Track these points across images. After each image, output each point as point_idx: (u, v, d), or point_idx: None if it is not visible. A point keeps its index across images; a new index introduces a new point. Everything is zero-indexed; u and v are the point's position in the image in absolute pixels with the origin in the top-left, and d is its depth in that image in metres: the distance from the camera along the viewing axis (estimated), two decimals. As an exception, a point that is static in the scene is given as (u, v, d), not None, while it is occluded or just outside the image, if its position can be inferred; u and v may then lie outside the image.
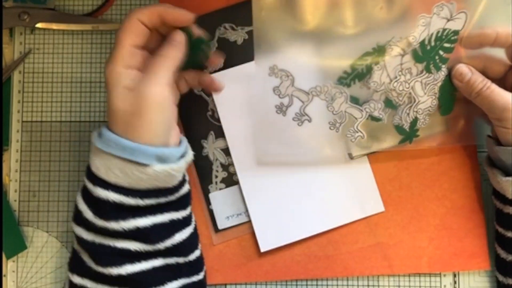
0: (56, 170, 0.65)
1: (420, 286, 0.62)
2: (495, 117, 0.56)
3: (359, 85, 0.58)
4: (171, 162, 0.51)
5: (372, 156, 0.62)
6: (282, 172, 0.62)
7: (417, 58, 0.57)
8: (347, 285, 0.63)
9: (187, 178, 0.56)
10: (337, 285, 0.63)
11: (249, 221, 0.62)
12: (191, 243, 0.56)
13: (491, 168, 0.58)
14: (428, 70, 0.58)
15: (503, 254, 0.59)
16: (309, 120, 0.60)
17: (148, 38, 0.53)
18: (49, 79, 0.65)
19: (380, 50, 0.58)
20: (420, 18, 0.57)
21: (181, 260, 0.55)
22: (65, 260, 0.64)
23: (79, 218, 0.52)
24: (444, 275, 0.63)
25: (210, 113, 0.63)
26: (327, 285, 0.63)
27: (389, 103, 0.59)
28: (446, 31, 0.57)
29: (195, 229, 0.58)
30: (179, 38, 0.53)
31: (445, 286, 0.63)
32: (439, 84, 0.58)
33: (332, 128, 0.60)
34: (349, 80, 0.59)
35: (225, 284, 0.63)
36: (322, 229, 0.62)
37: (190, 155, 0.54)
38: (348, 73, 0.58)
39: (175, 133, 0.54)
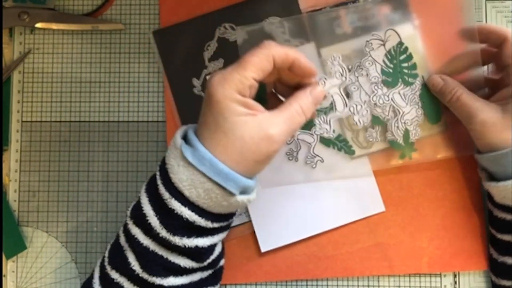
0: (56, 170, 0.66)
1: (420, 286, 0.64)
2: (467, 126, 0.57)
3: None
4: (249, 194, 0.52)
5: (373, 156, 0.63)
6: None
7: (386, 74, 0.61)
8: (347, 285, 0.64)
9: None
10: (337, 285, 0.64)
11: (249, 221, 0.64)
12: (221, 254, 0.57)
13: (480, 172, 0.60)
14: (402, 81, 0.61)
15: (495, 254, 0.61)
16: (322, 161, 0.63)
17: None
18: (49, 79, 0.67)
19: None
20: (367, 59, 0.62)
21: (212, 271, 0.56)
22: (65, 260, 0.65)
23: (140, 220, 0.51)
24: (444, 275, 0.64)
25: (210, 113, 0.65)
26: (327, 285, 0.64)
27: (376, 120, 0.62)
28: (393, 48, 0.62)
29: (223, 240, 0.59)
30: (322, 95, 0.55)
31: (445, 286, 0.64)
32: (418, 93, 0.61)
33: (290, 158, 0.63)
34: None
35: (225, 285, 0.64)
36: (322, 229, 0.63)
37: (256, 185, 0.54)
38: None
39: None
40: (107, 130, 0.66)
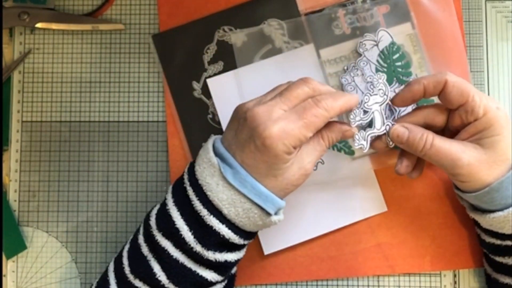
0: (56, 170, 0.67)
1: (420, 286, 0.65)
2: (448, 172, 0.56)
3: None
4: (279, 214, 0.55)
5: (374, 156, 0.64)
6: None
7: (381, 73, 0.62)
8: (347, 285, 0.65)
9: None
10: (337, 285, 0.65)
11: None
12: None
13: (461, 201, 0.60)
14: (397, 80, 0.63)
15: (488, 270, 0.62)
16: (322, 162, 0.64)
17: None
18: (49, 79, 0.68)
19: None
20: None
21: (226, 281, 0.58)
22: (65, 260, 0.66)
23: (171, 233, 0.53)
24: (444, 275, 0.65)
25: (210, 116, 0.66)
26: (327, 285, 0.65)
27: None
28: (385, 49, 0.63)
29: None
30: (351, 135, 0.57)
31: (445, 286, 0.65)
32: None
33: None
34: None
35: (227, 286, 0.65)
36: (325, 230, 0.64)
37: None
38: None
39: None
40: (107, 130, 0.67)
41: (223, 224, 0.51)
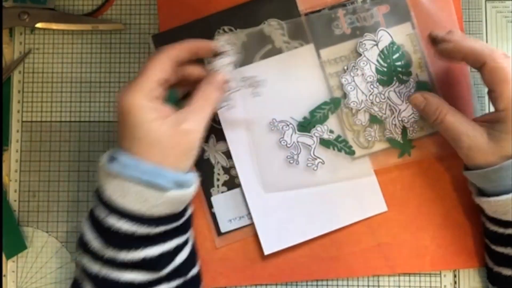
0: (56, 170, 0.67)
1: (420, 286, 0.65)
2: (454, 147, 0.57)
3: (341, 109, 0.64)
4: (187, 187, 0.53)
5: (374, 156, 0.65)
6: (284, 174, 0.65)
7: (381, 72, 0.63)
8: (347, 285, 0.65)
9: (190, 201, 0.57)
10: (337, 285, 0.65)
11: (252, 224, 0.64)
12: (190, 261, 0.58)
13: (470, 186, 0.61)
14: (397, 80, 0.63)
15: (490, 263, 0.62)
16: (323, 162, 0.64)
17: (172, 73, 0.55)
18: (49, 79, 0.68)
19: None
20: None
21: (181, 280, 0.56)
22: (65, 260, 0.66)
23: (85, 247, 0.53)
24: (444, 275, 0.65)
25: (210, 116, 0.66)
26: (327, 285, 0.65)
27: (374, 119, 0.64)
28: (385, 48, 0.64)
29: (193, 245, 0.59)
30: (221, 79, 0.57)
31: (445, 286, 0.65)
32: (413, 90, 0.63)
33: (291, 162, 0.64)
34: (327, 111, 0.64)
35: (230, 287, 0.65)
36: (325, 230, 0.64)
37: (198, 180, 0.56)
38: (327, 102, 0.64)
39: None
40: (107, 130, 0.67)
41: (121, 220, 0.51)
